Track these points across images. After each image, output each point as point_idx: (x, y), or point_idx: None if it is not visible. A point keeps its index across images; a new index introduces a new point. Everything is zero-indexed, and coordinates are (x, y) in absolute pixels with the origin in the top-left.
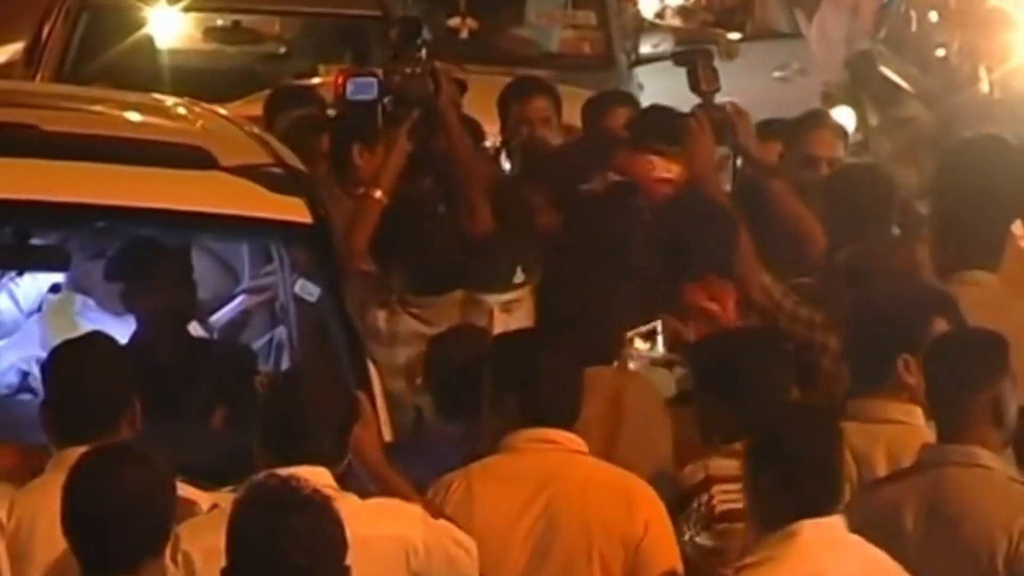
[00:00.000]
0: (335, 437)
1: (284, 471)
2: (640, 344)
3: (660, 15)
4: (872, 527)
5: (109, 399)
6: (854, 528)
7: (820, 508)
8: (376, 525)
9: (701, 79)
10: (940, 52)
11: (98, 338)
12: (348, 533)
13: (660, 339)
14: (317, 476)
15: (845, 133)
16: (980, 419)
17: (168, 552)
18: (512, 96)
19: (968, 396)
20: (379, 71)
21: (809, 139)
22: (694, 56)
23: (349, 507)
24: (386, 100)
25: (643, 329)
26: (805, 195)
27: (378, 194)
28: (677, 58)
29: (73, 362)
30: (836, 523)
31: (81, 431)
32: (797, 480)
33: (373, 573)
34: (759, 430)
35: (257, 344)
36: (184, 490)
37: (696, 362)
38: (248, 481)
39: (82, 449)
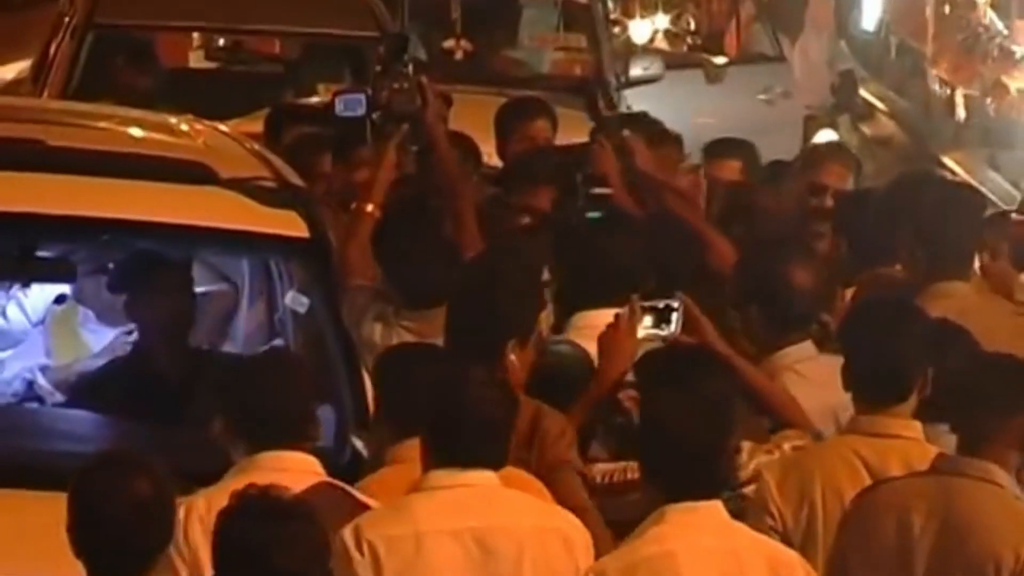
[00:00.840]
0: (308, 419)
1: (271, 456)
2: (649, 320)
3: (651, 40)
4: (878, 523)
5: (301, 408)
6: (861, 521)
7: (692, 494)
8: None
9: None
10: (917, 76)
11: (283, 352)
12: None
13: (676, 317)
14: (304, 463)
15: (859, 166)
16: (1005, 441)
17: (352, 542)
18: (512, 116)
19: (1000, 420)
20: (367, 88)
21: (822, 168)
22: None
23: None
24: (374, 116)
25: (659, 304)
26: (809, 222)
27: (370, 208)
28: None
29: (269, 374)
30: (706, 508)
31: (275, 437)
32: (671, 466)
33: None
34: (644, 415)
35: None
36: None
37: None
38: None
39: (273, 454)
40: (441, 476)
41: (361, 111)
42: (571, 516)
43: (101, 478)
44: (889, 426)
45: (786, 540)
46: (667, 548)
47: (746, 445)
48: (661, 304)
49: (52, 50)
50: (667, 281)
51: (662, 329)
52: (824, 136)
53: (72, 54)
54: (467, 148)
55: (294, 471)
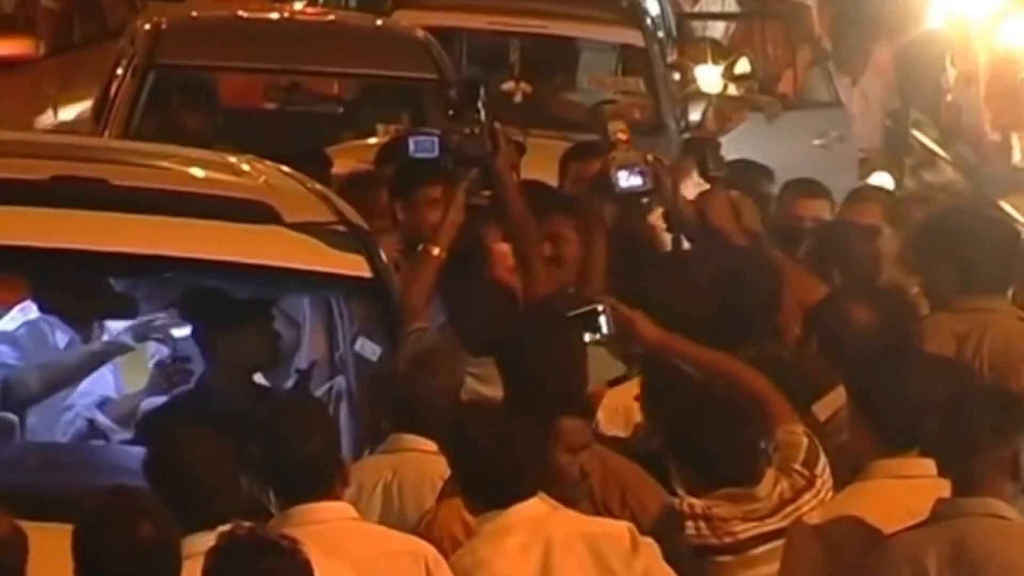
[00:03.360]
0: (337, 466)
1: (306, 509)
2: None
3: (724, 88)
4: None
5: (327, 457)
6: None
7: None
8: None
9: (710, 165)
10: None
11: (305, 399)
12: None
13: (603, 319)
14: (340, 511)
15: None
16: (998, 472)
17: None
18: (572, 158)
19: (987, 450)
20: (439, 131)
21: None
22: (702, 144)
23: (368, 530)
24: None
25: (582, 310)
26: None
27: (436, 251)
28: (687, 145)
29: (293, 423)
30: (516, 511)
31: (305, 489)
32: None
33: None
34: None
35: (317, 393)
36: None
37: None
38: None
39: (307, 507)
40: None
41: (434, 153)
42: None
43: (104, 522)
44: (913, 467)
45: None
46: (479, 557)
47: (769, 473)
48: (585, 309)
49: (113, 89)
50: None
51: (595, 334)
52: (877, 179)
53: (133, 93)
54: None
55: (334, 520)
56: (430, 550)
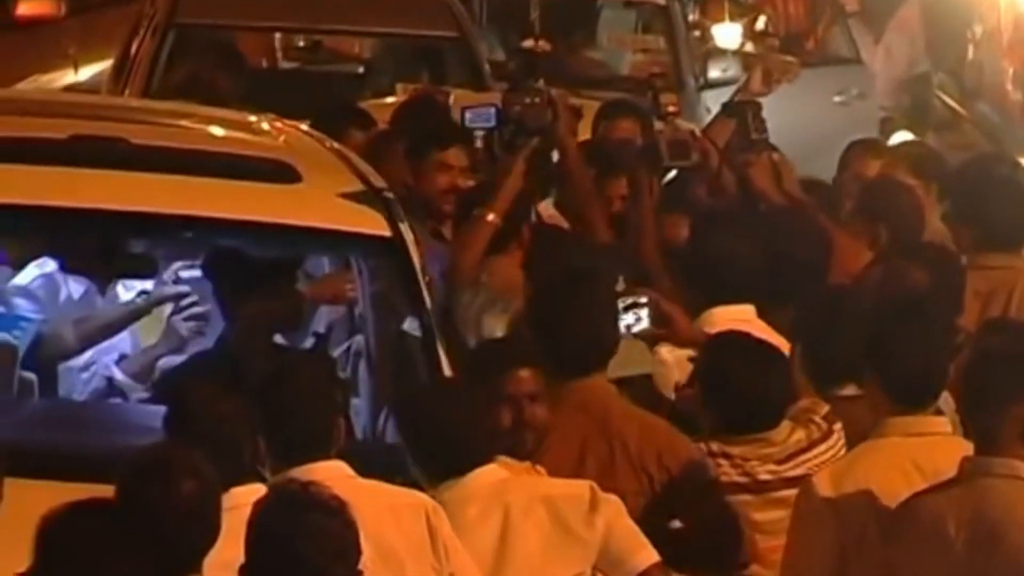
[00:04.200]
0: (330, 426)
1: (302, 470)
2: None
3: (741, 45)
4: (917, 536)
5: (323, 423)
6: (900, 538)
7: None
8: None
9: (751, 128)
10: (995, 80)
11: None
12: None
13: (645, 313)
14: (336, 470)
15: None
16: (1016, 432)
17: None
18: (601, 117)
19: (1009, 409)
20: (497, 99)
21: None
22: (744, 107)
23: (367, 486)
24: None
25: (627, 300)
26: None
27: (491, 216)
28: (728, 109)
29: (288, 385)
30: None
31: (302, 450)
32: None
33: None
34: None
35: (336, 352)
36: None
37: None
38: (270, 484)
39: (302, 469)
40: None
41: (491, 123)
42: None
43: (148, 479)
44: (927, 425)
45: (846, 548)
46: None
47: (785, 422)
48: (629, 300)
49: (133, 49)
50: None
51: (636, 323)
52: (899, 138)
53: (153, 53)
54: None
55: (332, 479)
56: (429, 501)
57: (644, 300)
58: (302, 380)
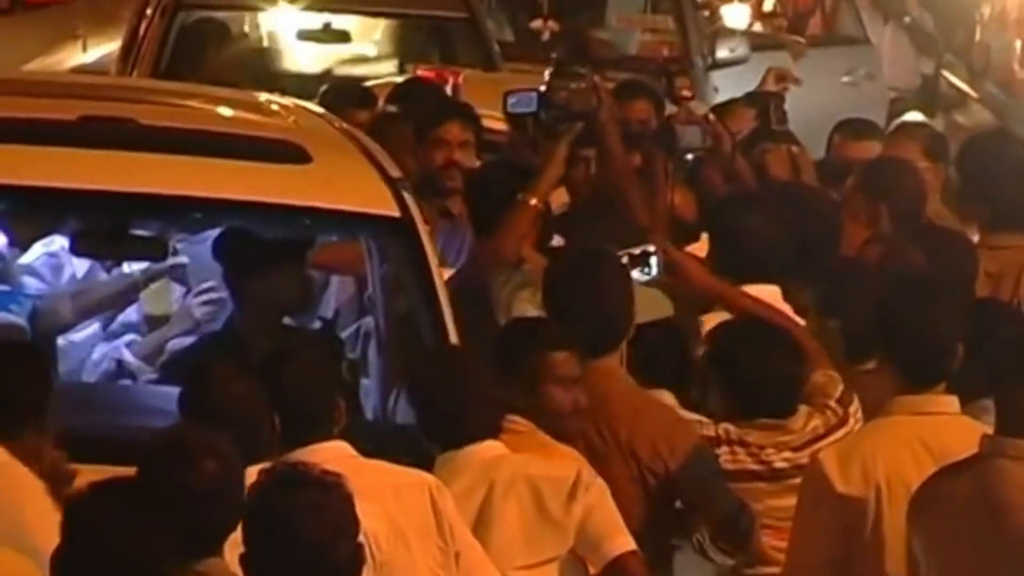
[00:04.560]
0: (331, 407)
1: (305, 451)
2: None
3: (750, 25)
4: (938, 517)
5: (324, 403)
6: (918, 518)
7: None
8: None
9: (773, 119)
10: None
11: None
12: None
13: (654, 261)
14: (339, 450)
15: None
16: None
17: None
18: (616, 98)
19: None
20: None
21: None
22: (766, 98)
23: (370, 466)
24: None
25: (635, 250)
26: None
27: (533, 200)
28: (750, 99)
29: (292, 367)
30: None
31: (304, 432)
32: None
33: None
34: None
35: (344, 334)
36: None
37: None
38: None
39: (304, 450)
40: None
41: (532, 108)
42: None
43: (170, 459)
44: (935, 404)
45: (851, 527)
46: None
47: (802, 408)
48: (637, 251)
49: (141, 30)
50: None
51: (644, 274)
52: (909, 118)
53: (161, 34)
54: None
55: (335, 460)
56: (433, 480)
57: (652, 249)
58: (301, 362)
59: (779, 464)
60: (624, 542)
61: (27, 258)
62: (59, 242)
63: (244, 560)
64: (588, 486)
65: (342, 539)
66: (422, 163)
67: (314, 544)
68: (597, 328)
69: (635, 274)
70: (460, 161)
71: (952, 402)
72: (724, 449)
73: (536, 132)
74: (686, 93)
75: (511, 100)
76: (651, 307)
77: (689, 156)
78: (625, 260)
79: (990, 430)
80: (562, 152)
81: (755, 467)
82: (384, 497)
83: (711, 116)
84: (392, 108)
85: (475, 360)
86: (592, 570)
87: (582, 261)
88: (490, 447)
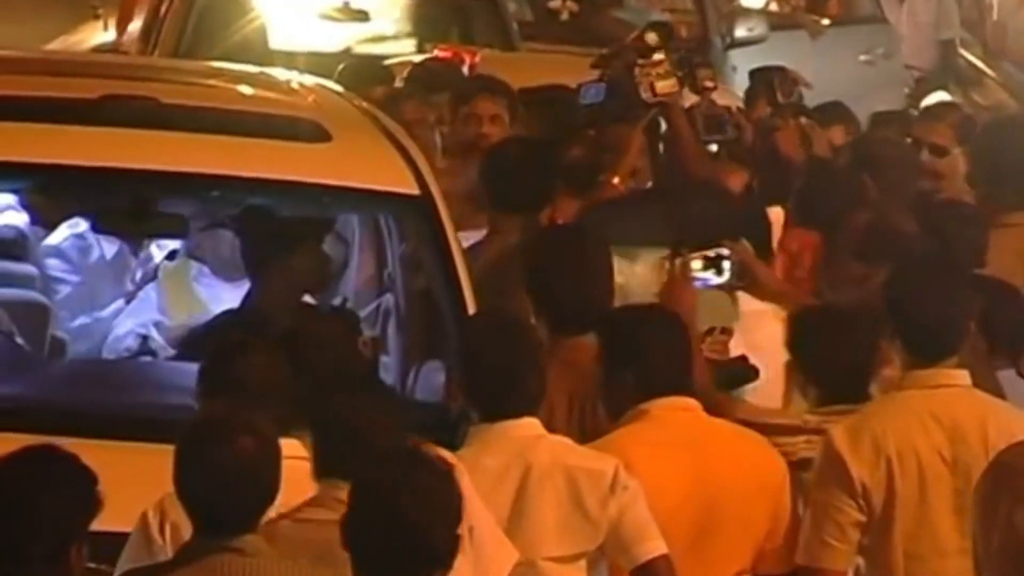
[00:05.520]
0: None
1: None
2: (699, 268)
3: (766, 4)
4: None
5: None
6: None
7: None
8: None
9: (779, 92)
10: (1019, 39)
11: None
12: None
13: (728, 265)
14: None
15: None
16: None
17: (155, 525)
18: None
19: None
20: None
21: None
22: (771, 73)
23: None
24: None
25: (709, 252)
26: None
27: (616, 180)
28: (755, 75)
29: (310, 343)
30: (502, 427)
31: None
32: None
33: None
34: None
35: (364, 312)
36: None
37: None
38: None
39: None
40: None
41: (600, 98)
42: None
43: (206, 436)
44: (947, 377)
45: (866, 501)
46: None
47: (875, 392)
48: (712, 253)
49: (162, 10)
50: None
51: (717, 276)
52: (935, 98)
53: (182, 13)
54: None
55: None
56: (445, 455)
57: (726, 252)
58: (315, 340)
59: None
60: (656, 546)
61: (53, 239)
62: (85, 224)
63: (345, 525)
64: (625, 485)
65: (442, 525)
66: (451, 140)
67: (415, 525)
68: (577, 305)
69: (708, 276)
70: (491, 135)
71: (963, 375)
72: (801, 437)
73: (600, 119)
74: (708, 84)
75: (584, 92)
76: (717, 314)
77: (713, 147)
78: (699, 263)
79: (1001, 402)
80: (640, 136)
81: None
82: None
83: (734, 107)
84: (410, 86)
85: (527, 325)
86: (618, 571)
87: (562, 239)
88: (529, 424)
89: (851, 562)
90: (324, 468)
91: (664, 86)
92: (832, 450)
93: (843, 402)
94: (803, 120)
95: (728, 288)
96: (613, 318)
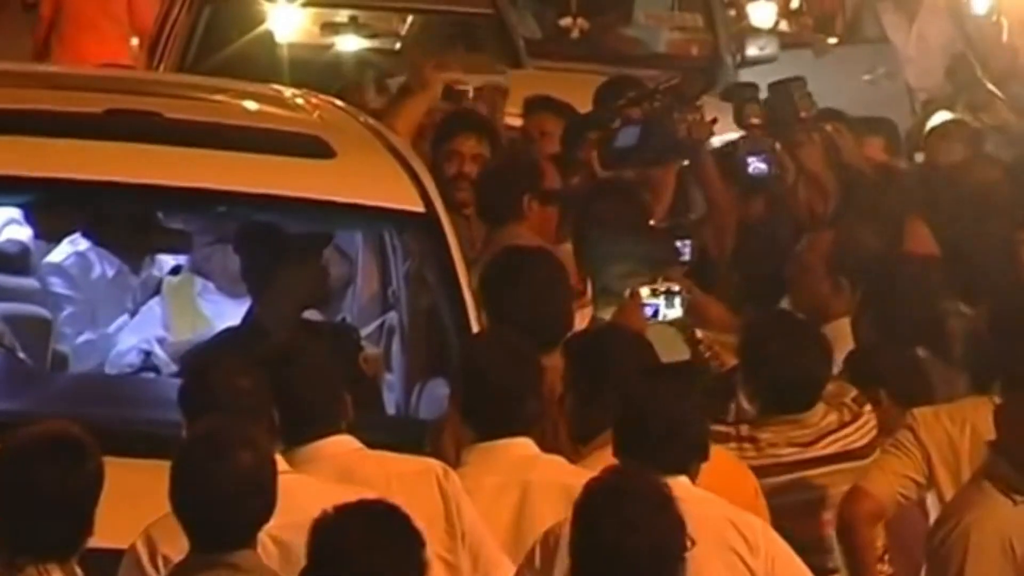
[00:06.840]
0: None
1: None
2: (651, 297)
3: (775, 24)
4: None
5: (327, 398)
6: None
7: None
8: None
9: (798, 106)
10: None
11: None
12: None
13: (679, 301)
14: (344, 444)
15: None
16: None
17: (146, 558)
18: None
19: None
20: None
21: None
22: (788, 85)
23: (377, 457)
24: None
25: (660, 287)
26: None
27: (651, 222)
28: (773, 89)
29: (297, 367)
30: (504, 446)
31: (312, 429)
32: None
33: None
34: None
35: (368, 329)
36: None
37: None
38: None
39: (310, 446)
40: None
41: (634, 142)
42: None
43: (204, 451)
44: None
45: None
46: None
47: (819, 405)
48: (663, 287)
49: (168, 24)
50: None
51: (668, 309)
52: (940, 118)
53: (188, 28)
54: None
55: (343, 453)
56: (439, 465)
57: (677, 288)
58: (305, 358)
59: (791, 459)
60: None
61: (55, 256)
62: (87, 241)
63: (573, 548)
64: None
65: (657, 561)
66: (434, 174)
67: (632, 559)
68: (532, 326)
69: (659, 306)
70: (470, 174)
71: None
72: (733, 445)
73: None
74: (755, 121)
75: (619, 138)
76: (667, 349)
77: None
78: (647, 293)
79: None
80: (671, 178)
81: (764, 462)
82: (389, 486)
83: (777, 146)
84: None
85: (530, 346)
86: None
87: (518, 263)
88: (525, 444)
89: (893, 497)
90: None
91: (702, 131)
92: (906, 437)
93: (788, 412)
94: (828, 128)
95: (678, 323)
96: (580, 342)
